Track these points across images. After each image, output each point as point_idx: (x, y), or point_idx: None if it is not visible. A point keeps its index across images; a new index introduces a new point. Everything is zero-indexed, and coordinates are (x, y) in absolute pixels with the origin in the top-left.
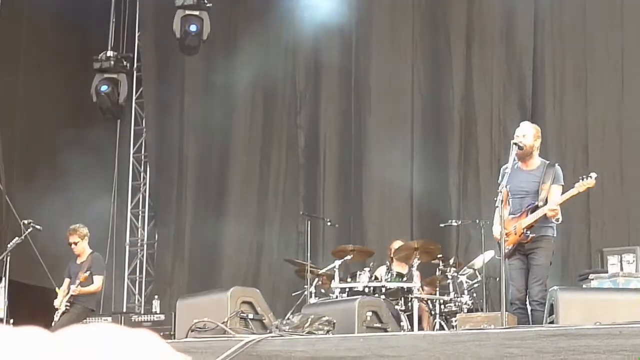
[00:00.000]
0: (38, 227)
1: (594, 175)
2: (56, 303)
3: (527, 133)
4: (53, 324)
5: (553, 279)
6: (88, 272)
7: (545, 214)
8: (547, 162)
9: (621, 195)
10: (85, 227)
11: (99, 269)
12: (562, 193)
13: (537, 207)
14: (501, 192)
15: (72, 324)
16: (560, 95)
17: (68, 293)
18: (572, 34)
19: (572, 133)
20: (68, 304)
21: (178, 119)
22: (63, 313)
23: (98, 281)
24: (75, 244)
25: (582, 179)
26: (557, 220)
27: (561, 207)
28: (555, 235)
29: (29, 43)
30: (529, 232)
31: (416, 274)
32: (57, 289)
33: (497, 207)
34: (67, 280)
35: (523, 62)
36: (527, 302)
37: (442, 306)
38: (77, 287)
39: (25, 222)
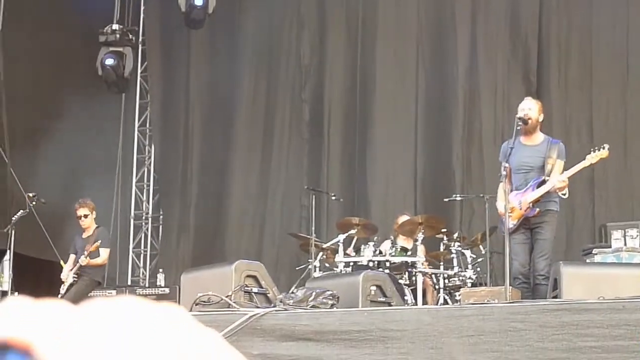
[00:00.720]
0: (42, 200)
1: (607, 146)
2: (63, 276)
3: (532, 107)
4: (60, 296)
5: (557, 253)
6: (99, 241)
7: (551, 190)
8: (551, 138)
9: (625, 170)
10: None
11: (105, 241)
12: (568, 168)
13: (543, 182)
14: (505, 167)
15: (81, 295)
16: (565, 71)
17: (74, 267)
18: (578, 10)
19: (576, 108)
20: (75, 275)
21: (183, 93)
22: (71, 285)
23: (104, 254)
24: (85, 216)
25: (594, 150)
26: (564, 194)
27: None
28: (558, 209)
29: (33, 10)
30: (535, 206)
31: (420, 249)
32: (62, 262)
33: (501, 182)
34: (72, 256)
35: (529, 38)
36: (530, 277)
37: (446, 280)
38: (86, 257)
39: (30, 194)
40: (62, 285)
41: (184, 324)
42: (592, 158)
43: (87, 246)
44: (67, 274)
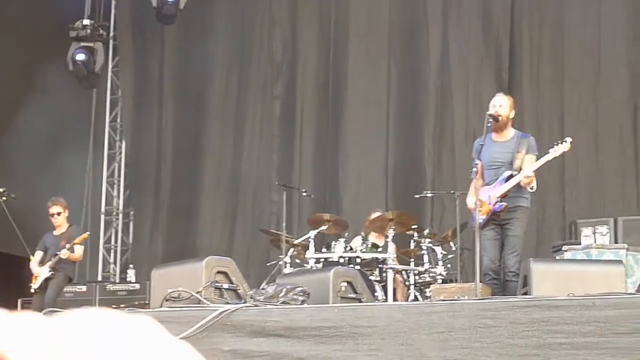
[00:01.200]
0: (12, 195)
1: (569, 139)
2: (34, 269)
3: (503, 104)
4: (34, 290)
5: (527, 250)
6: (87, 233)
7: (519, 183)
8: (521, 133)
9: (596, 167)
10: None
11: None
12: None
13: (511, 176)
14: (476, 164)
15: (59, 290)
16: (537, 67)
17: (51, 261)
18: (549, 6)
19: (548, 105)
20: (51, 270)
21: (154, 88)
22: (47, 279)
23: (80, 250)
24: (58, 214)
25: (557, 144)
26: (532, 188)
27: (536, 179)
28: (529, 206)
29: (2, 5)
30: (503, 200)
31: (391, 245)
32: (31, 257)
33: (472, 178)
34: (39, 253)
35: (500, 34)
36: (501, 273)
37: (417, 277)
38: (68, 250)
39: (0, 189)
40: (34, 279)
41: (156, 336)
42: (555, 152)
43: (62, 242)
44: (40, 269)
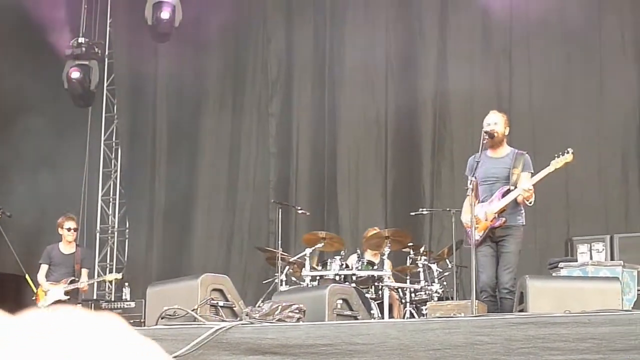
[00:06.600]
0: (8, 214)
1: (570, 150)
2: (45, 286)
3: (497, 121)
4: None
5: (523, 267)
6: (119, 276)
7: (515, 199)
8: (517, 150)
9: (592, 185)
10: None
11: (90, 263)
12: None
13: (509, 191)
14: (472, 180)
15: None
16: (538, 87)
17: (68, 285)
18: (550, 28)
19: (546, 125)
20: (67, 295)
21: (150, 106)
22: (58, 301)
23: (85, 274)
24: (75, 230)
25: (559, 155)
26: (530, 203)
27: (536, 195)
28: (524, 223)
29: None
30: (501, 216)
31: (387, 262)
32: (27, 276)
33: (468, 195)
34: (44, 267)
35: (500, 53)
36: (497, 290)
37: (413, 294)
38: (86, 284)
39: None
40: (41, 294)
41: (122, 333)
42: (557, 163)
43: (76, 266)
44: (51, 286)
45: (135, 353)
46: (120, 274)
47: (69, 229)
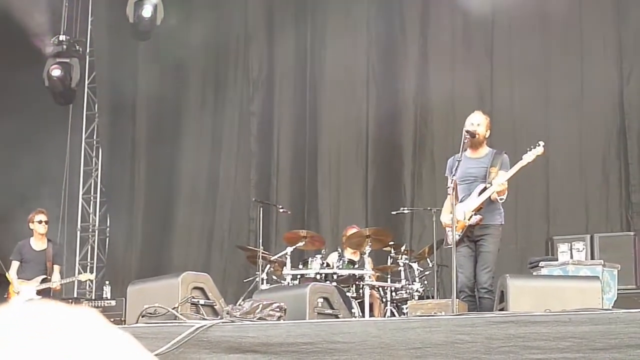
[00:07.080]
0: None
1: (542, 143)
2: (15, 285)
3: (480, 122)
4: None
5: (503, 266)
6: (93, 276)
7: (491, 198)
8: (495, 150)
9: (573, 184)
10: None
11: (61, 259)
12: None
13: (485, 189)
14: (452, 180)
15: None
16: (519, 87)
17: (26, 277)
18: (530, 26)
19: (526, 125)
20: (39, 294)
21: (130, 104)
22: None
23: (57, 272)
24: (46, 222)
25: (530, 149)
26: (502, 199)
27: (513, 195)
28: (503, 222)
29: None
30: (478, 213)
31: (368, 261)
32: (7, 273)
33: (449, 194)
34: (16, 263)
35: (481, 53)
36: (476, 290)
37: (394, 293)
38: (59, 283)
39: None
40: (12, 292)
41: (97, 325)
42: (529, 156)
43: (48, 263)
44: (21, 286)
45: (122, 351)
46: (94, 274)
47: (40, 222)
